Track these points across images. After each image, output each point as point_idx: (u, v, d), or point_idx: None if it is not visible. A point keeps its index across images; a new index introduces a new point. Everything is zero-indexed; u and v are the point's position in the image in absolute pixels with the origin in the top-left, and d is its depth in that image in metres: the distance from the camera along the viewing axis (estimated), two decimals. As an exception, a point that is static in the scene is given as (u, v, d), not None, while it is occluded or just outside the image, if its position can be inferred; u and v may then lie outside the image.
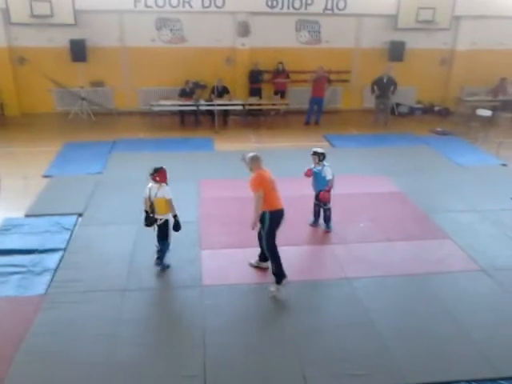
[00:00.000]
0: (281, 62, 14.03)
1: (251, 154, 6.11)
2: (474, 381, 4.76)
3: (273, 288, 6.05)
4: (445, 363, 4.98)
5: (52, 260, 6.61)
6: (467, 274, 6.56)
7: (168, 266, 6.58)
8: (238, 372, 4.83)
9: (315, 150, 7.43)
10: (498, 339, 5.34)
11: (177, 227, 6.40)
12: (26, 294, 5.91)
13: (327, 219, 7.62)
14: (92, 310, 5.67)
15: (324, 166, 7.32)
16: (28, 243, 7.00)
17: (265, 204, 5.92)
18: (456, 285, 6.32)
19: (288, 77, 14.22)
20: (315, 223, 7.75)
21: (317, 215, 7.71)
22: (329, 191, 7.36)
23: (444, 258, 6.95)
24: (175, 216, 6.36)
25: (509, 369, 4.91)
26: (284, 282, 6.07)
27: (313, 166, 7.38)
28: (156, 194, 6.26)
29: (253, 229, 6.08)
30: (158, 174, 6.26)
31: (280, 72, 14.10)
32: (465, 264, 6.81)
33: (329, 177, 7.28)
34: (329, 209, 7.54)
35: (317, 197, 7.52)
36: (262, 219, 5.98)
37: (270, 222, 5.97)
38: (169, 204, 6.29)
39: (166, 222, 6.41)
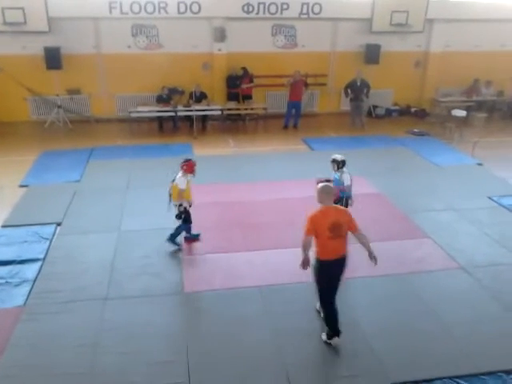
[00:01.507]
0: (243, 67, 14.04)
1: (320, 185, 5.08)
2: (457, 377, 4.83)
3: (324, 337, 5.33)
4: (428, 361, 5.05)
5: (31, 271, 6.49)
6: (447, 272, 6.66)
7: (179, 246, 7.12)
8: (223, 378, 4.80)
9: (334, 157, 7.32)
10: (478, 336, 5.43)
11: (178, 216, 6.89)
12: (4, 306, 5.79)
13: None
14: (73, 320, 5.58)
15: (343, 172, 7.26)
16: (5, 254, 6.86)
17: (316, 249, 5.07)
18: (437, 283, 6.42)
19: (251, 81, 14.14)
20: None
21: None
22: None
23: (424, 257, 7.04)
24: (180, 205, 6.79)
25: (489, 364, 5.00)
26: (334, 341, 5.22)
27: (332, 173, 7.34)
28: (174, 180, 6.74)
29: (303, 268, 5.11)
30: (185, 164, 6.82)
31: (243, 77, 14.04)
32: (444, 262, 6.91)
33: (347, 182, 7.24)
34: None
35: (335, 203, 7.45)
36: (313, 265, 5.16)
37: (319, 272, 5.13)
38: (179, 193, 6.71)
39: (183, 207, 6.84)
